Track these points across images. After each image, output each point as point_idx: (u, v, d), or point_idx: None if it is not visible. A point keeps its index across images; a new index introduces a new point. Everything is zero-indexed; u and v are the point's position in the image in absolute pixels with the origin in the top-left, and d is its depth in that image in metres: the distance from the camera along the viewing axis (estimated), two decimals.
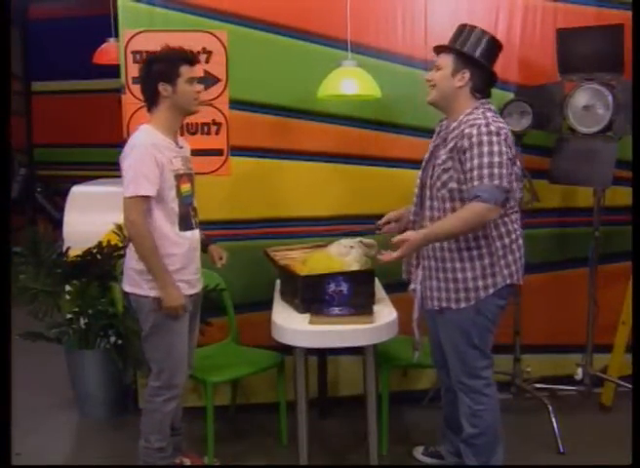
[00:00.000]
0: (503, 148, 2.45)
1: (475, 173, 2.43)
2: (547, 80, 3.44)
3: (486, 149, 2.43)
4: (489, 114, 2.54)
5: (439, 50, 2.68)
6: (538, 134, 3.46)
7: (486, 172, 2.42)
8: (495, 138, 2.44)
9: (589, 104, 3.23)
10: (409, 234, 2.53)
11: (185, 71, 2.66)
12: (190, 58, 2.71)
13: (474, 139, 2.45)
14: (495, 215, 2.46)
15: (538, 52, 3.55)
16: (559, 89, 3.37)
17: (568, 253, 3.74)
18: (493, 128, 2.46)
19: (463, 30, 2.65)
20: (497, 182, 2.41)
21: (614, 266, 3.68)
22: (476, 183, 2.43)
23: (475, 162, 2.43)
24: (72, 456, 3.30)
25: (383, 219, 2.91)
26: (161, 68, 2.64)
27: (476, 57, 2.59)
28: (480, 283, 2.58)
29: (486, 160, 2.42)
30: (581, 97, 3.25)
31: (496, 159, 2.42)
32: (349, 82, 3.06)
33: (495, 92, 2.76)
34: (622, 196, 3.45)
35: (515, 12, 3.54)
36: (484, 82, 2.64)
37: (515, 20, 3.54)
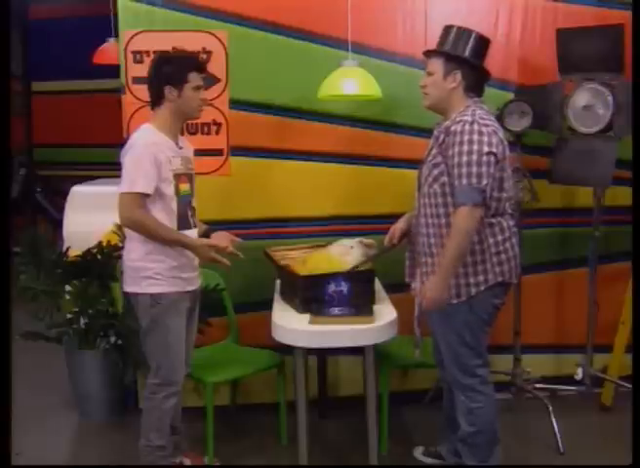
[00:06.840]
0: (484, 148, 2.46)
1: (455, 171, 2.48)
2: (547, 80, 3.43)
3: (466, 148, 2.46)
4: (478, 112, 2.56)
5: (429, 54, 2.70)
6: (538, 134, 3.46)
7: (464, 171, 2.46)
8: (476, 137, 2.47)
9: (589, 104, 3.23)
10: (426, 287, 2.58)
11: (193, 78, 2.67)
12: (200, 66, 2.73)
13: (457, 137, 2.49)
14: (478, 214, 2.48)
15: (538, 52, 3.55)
16: (559, 89, 3.36)
17: (568, 253, 3.74)
18: (476, 126, 2.48)
19: (450, 31, 2.67)
20: (474, 181, 2.44)
21: (614, 266, 3.68)
22: (456, 183, 2.48)
23: (456, 160, 2.48)
24: (72, 456, 3.30)
25: (397, 236, 2.87)
26: (170, 71, 2.65)
27: (465, 56, 2.61)
28: (471, 279, 2.59)
29: (465, 158, 2.46)
30: (581, 97, 3.25)
31: (474, 157, 2.45)
32: (350, 82, 3.06)
33: (495, 92, 2.77)
34: (622, 196, 3.44)
35: (515, 12, 3.54)
36: (476, 80, 2.65)
37: (515, 20, 3.55)
